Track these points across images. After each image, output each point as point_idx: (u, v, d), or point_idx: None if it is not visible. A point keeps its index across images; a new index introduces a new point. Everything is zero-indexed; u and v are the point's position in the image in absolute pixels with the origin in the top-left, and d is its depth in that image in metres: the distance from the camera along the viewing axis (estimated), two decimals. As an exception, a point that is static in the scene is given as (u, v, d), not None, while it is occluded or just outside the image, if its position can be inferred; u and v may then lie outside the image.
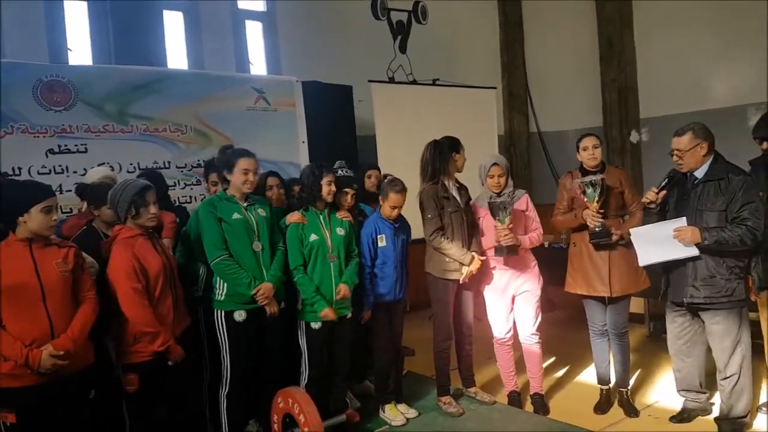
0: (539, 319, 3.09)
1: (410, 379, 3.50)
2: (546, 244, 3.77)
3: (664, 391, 3.20)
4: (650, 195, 2.63)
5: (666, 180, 2.62)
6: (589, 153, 2.86)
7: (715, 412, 2.75)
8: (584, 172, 2.89)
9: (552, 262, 3.44)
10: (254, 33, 5.16)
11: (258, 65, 5.13)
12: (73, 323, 2.06)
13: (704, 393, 2.83)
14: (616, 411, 3.02)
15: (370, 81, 4.86)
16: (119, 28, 4.22)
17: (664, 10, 5.39)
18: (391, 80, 5.14)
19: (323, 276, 2.74)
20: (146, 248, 2.29)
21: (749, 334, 2.59)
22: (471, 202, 3.09)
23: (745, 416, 2.61)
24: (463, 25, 6.16)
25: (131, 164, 3.64)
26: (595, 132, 3.07)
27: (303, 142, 4.30)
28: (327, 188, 2.76)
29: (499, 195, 2.97)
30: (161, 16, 4.55)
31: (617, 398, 3.06)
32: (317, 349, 2.77)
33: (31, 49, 3.89)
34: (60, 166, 3.42)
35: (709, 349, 2.68)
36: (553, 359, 3.82)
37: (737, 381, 2.56)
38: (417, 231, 3.12)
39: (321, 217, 2.80)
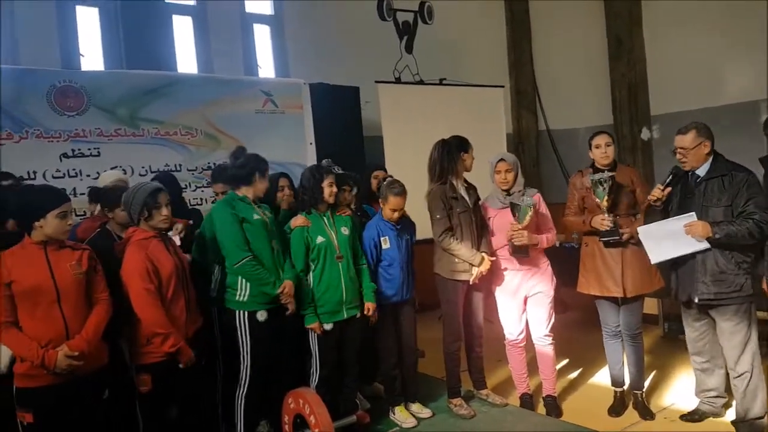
0: (552, 320, 3.06)
1: (420, 380, 3.49)
2: (557, 244, 3.74)
3: (680, 394, 3.15)
4: (656, 192, 2.62)
5: (671, 176, 2.63)
6: (602, 151, 2.85)
7: (730, 415, 2.72)
8: (596, 171, 2.87)
9: (564, 262, 3.42)
10: (262, 36, 5.20)
11: (266, 68, 5.17)
12: (87, 324, 2.08)
13: (723, 398, 2.80)
14: (630, 414, 2.98)
15: (376, 82, 4.87)
16: (130, 34, 4.28)
17: (674, 7, 5.34)
18: (398, 81, 5.13)
19: (332, 277, 2.75)
20: (159, 250, 2.31)
21: (757, 331, 2.58)
22: (480, 202, 3.08)
23: (762, 417, 2.58)
24: (469, 24, 6.14)
25: (143, 167, 3.69)
26: (605, 130, 3.05)
27: (310, 143, 4.33)
28: (329, 190, 2.77)
29: (508, 192, 2.96)
30: (171, 21, 4.59)
31: (632, 401, 3.03)
32: (328, 349, 2.78)
33: (45, 55, 3.95)
34: (73, 169, 3.48)
35: None
36: (566, 361, 3.79)
37: (750, 379, 2.54)
38: (425, 231, 3.11)
39: (325, 218, 2.81)
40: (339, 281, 2.76)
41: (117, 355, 2.30)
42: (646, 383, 3.16)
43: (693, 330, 2.74)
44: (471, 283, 2.95)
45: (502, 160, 2.96)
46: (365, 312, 2.84)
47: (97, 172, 3.40)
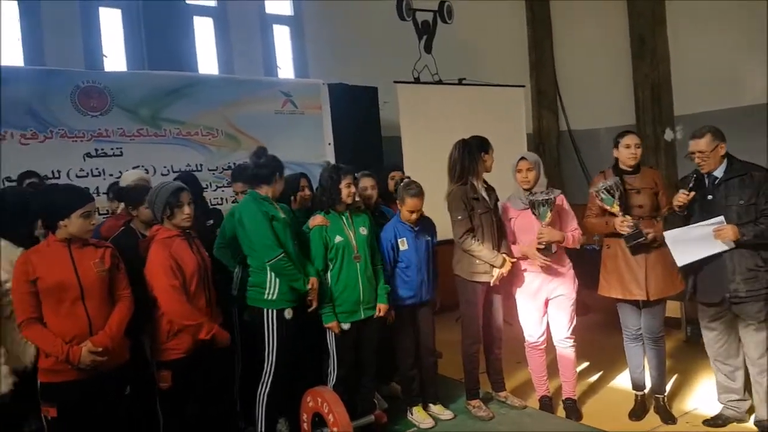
0: (574, 322, 3.02)
1: (439, 382, 3.47)
2: (578, 246, 3.69)
3: (702, 398, 3.09)
4: (681, 197, 2.61)
5: (693, 180, 2.62)
6: (631, 151, 2.81)
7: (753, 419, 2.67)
8: (617, 172, 2.83)
9: (585, 264, 3.37)
10: (282, 37, 5.22)
11: (285, 69, 5.19)
12: (110, 321, 2.11)
13: (746, 401, 2.75)
14: (652, 418, 2.93)
15: (395, 82, 4.85)
16: (152, 35, 4.33)
17: (697, 6, 5.23)
18: (417, 81, 5.11)
19: (349, 277, 2.75)
20: (183, 248, 2.33)
21: None
22: (500, 203, 3.05)
23: None
24: (489, 23, 6.09)
25: (165, 167, 3.73)
26: (630, 130, 3.01)
27: (329, 143, 4.33)
28: (347, 190, 2.76)
29: (530, 191, 2.92)
30: (192, 22, 4.64)
31: (653, 405, 2.98)
32: (345, 349, 2.78)
33: (69, 56, 4.02)
34: (96, 169, 3.53)
35: None
36: (586, 364, 3.73)
37: None
38: (446, 232, 3.09)
39: (343, 218, 2.81)
40: (356, 281, 2.76)
41: (138, 352, 2.33)
42: (668, 387, 3.11)
43: (710, 330, 2.73)
44: (491, 284, 2.93)
45: (523, 158, 2.93)
46: (377, 313, 2.83)
47: (120, 172, 3.45)
